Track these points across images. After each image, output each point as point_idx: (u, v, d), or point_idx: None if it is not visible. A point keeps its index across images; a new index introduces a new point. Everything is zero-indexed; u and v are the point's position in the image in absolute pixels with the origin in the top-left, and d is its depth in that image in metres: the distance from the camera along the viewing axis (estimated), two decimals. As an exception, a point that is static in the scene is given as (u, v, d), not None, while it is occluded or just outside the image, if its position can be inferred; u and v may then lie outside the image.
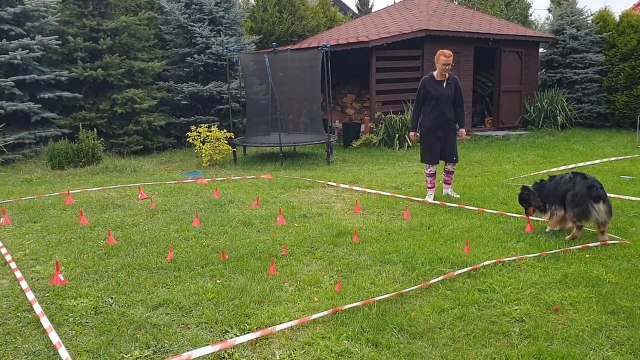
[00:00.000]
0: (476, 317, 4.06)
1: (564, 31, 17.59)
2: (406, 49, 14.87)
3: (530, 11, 27.65)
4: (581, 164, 10.53)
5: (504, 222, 6.55)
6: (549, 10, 22.13)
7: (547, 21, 27.64)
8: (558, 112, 16.63)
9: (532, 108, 17.02)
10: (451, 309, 4.19)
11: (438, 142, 7.79)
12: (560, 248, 5.51)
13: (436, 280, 4.68)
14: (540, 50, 18.44)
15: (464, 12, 18.11)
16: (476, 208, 7.20)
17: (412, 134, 8.21)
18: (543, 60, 18.41)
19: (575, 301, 4.30)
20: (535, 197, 6.15)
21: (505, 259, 5.17)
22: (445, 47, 14.96)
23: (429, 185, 7.92)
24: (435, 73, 7.80)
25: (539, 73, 18.18)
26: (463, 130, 7.99)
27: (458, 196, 7.92)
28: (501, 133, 16.00)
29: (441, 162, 7.97)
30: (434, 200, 7.74)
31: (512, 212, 6.92)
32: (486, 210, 7.10)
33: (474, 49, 15.89)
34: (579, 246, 5.54)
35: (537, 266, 5.04)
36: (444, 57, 7.59)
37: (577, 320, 4.00)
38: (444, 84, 7.71)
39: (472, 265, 5.00)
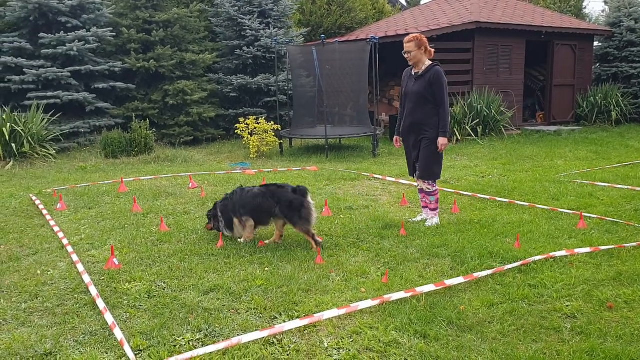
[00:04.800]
0: (526, 312, 4.00)
1: (621, 24, 17.04)
2: (456, 42, 14.66)
3: (584, 3, 26.88)
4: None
5: (555, 218, 6.41)
6: (605, 3, 21.46)
7: (602, 14, 26.81)
8: (612, 107, 16.15)
9: (585, 103, 16.56)
10: (501, 304, 4.13)
11: (413, 150, 6.30)
12: (614, 245, 5.36)
13: (486, 273, 4.62)
14: (595, 43, 17.90)
15: (516, 4, 17.72)
16: (527, 204, 7.06)
17: (395, 138, 6.52)
18: (598, 54, 17.88)
19: (630, 299, 4.18)
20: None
21: (557, 255, 5.06)
22: (496, 40, 14.86)
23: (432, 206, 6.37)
24: None
25: (593, 67, 17.66)
26: (440, 140, 6.07)
27: (435, 224, 6.19)
28: (553, 128, 15.64)
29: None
30: (483, 195, 7.59)
31: (564, 208, 6.77)
32: (537, 205, 6.96)
33: (526, 42, 15.55)
34: (634, 243, 5.38)
35: (589, 263, 4.93)
36: (404, 43, 5.98)
37: (632, 318, 3.89)
38: (415, 78, 6.09)
39: (522, 261, 4.92)
